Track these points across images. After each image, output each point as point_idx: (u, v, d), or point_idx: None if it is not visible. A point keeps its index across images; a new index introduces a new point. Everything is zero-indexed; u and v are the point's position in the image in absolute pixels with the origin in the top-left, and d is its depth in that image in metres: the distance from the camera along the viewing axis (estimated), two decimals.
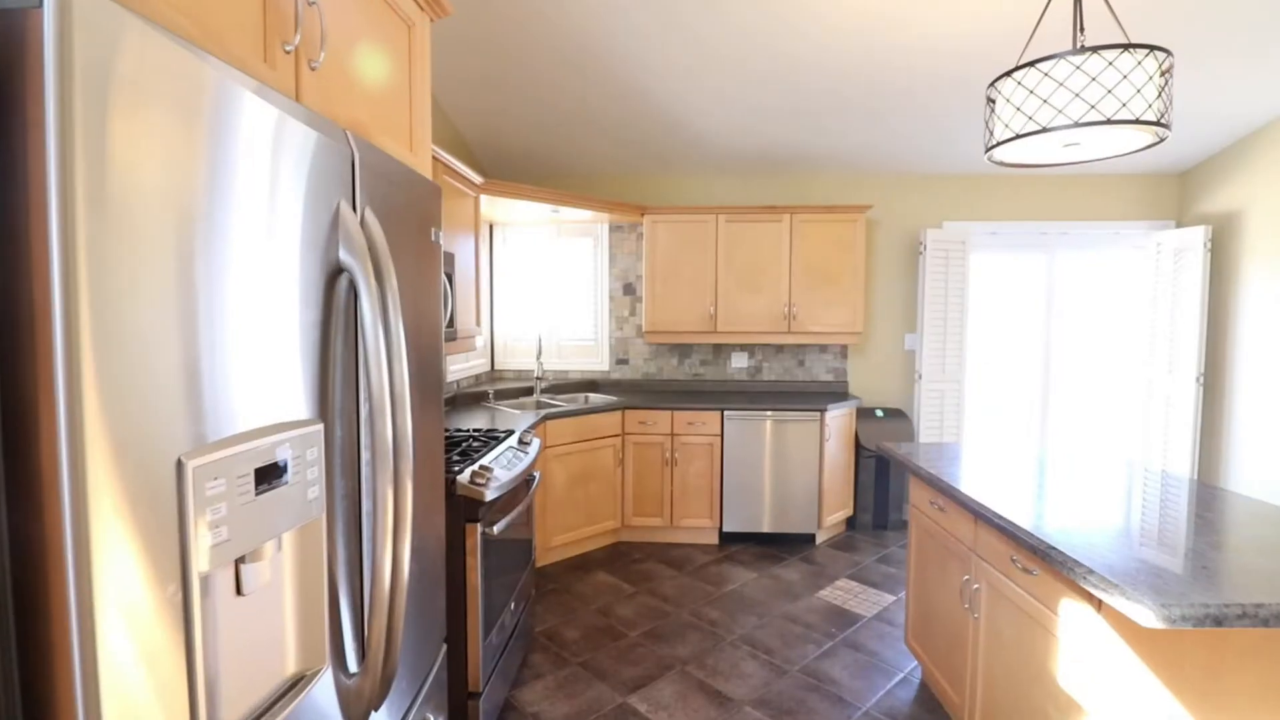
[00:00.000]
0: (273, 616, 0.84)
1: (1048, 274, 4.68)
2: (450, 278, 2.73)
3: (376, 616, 0.99)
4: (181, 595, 0.68)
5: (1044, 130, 1.85)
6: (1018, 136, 1.92)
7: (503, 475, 2.25)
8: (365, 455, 1.06)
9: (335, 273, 0.96)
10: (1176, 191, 4.59)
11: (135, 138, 0.60)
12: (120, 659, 0.60)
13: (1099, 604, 1.52)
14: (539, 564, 3.75)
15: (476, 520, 2.08)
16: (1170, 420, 4.41)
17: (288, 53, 0.98)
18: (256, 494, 0.77)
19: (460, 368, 4.08)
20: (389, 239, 1.14)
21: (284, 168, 0.83)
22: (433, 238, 1.35)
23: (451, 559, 2.07)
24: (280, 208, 0.83)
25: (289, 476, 0.83)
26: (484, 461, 2.31)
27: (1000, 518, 1.81)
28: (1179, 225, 4.58)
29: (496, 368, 4.76)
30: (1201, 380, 4.26)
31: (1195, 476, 4.34)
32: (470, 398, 4.00)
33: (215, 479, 0.71)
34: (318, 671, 0.91)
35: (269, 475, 0.79)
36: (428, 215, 1.33)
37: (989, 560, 1.98)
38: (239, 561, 0.78)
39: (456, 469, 2.15)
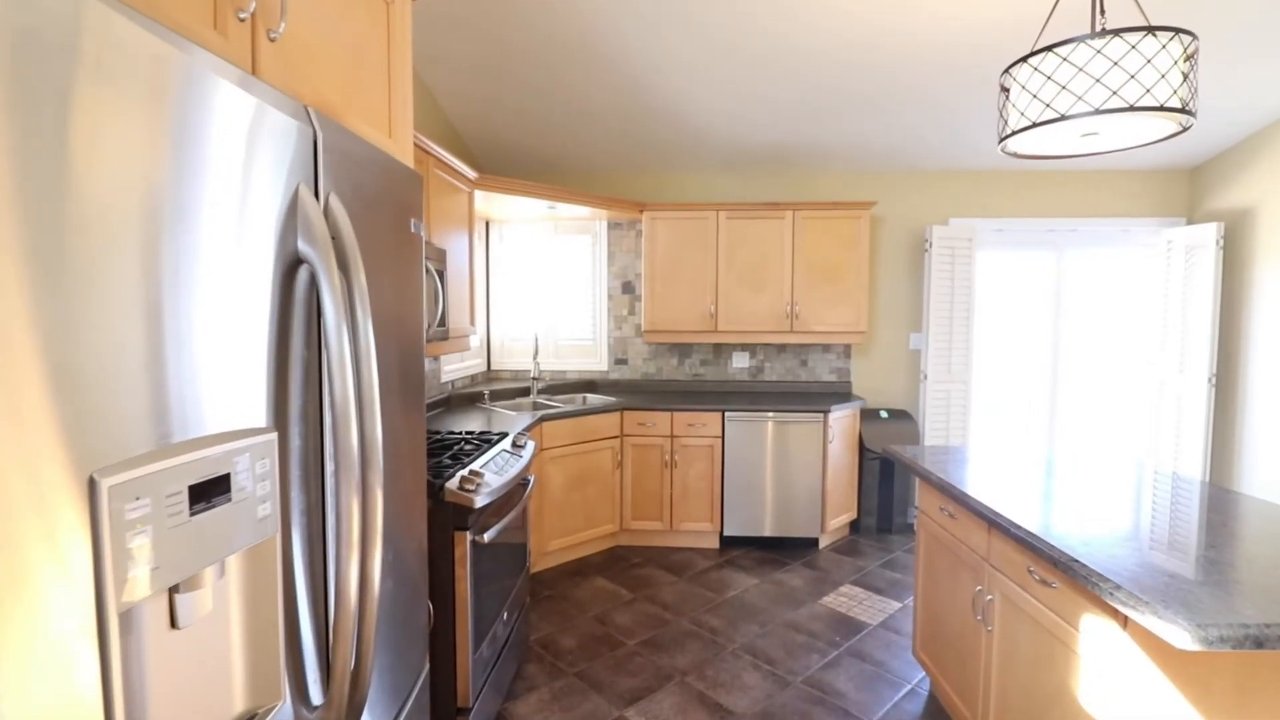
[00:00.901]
0: (216, 650, 0.74)
1: (1056, 272, 4.58)
2: (442, 275, 2.64)
3: (340, 642, 0.90)
4: (98, 634, 0.59)
5: (1062, 118, 1.76)
6: (1034, 125, 1.82)
7: (494, 480, 2.15)
8: (331, 465, 0.97)
9: (294, 264, 0.87)
10: (1187, 187, 4.49)
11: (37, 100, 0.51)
12: (22, 714, 0.51)
13: (1124, 620, 1.42)
14: (535, 569, 3.65)
15: (466, 528, 1.98)
16: (1181, 421, 4.31)
17: (242, 20, 0.89)
18: (192, 514, 0.68)
19: (455, 368, 3.99)
20: (360, 229, 1.05)
21: (231, 144, 0.74)
22: (413, 229, 1.26)
23: (439, 569, 1.98)
24: (225, 189, 0.73)
25: (234, 493, 0.73)
26: (474, 466, 2.22)
27: (1017, 527, 1.72)
28: (1190, 222, 4.48)
29: (493, 368, 4.66)
30: (1214, 380, 4.16)
31: (1207, 478, 4.24)
32: (465, 399, 3.91)
33: (138, 499, 0.61)
34: (272, 708, 0.82)
35: (209, 492, 0.70)
36: (407, 204, 1.24)
37: (1004, 571, 1.88)
38: (173, 591, 0.69)
39: (446, 474, 2.06)
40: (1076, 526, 1.71)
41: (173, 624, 0.69)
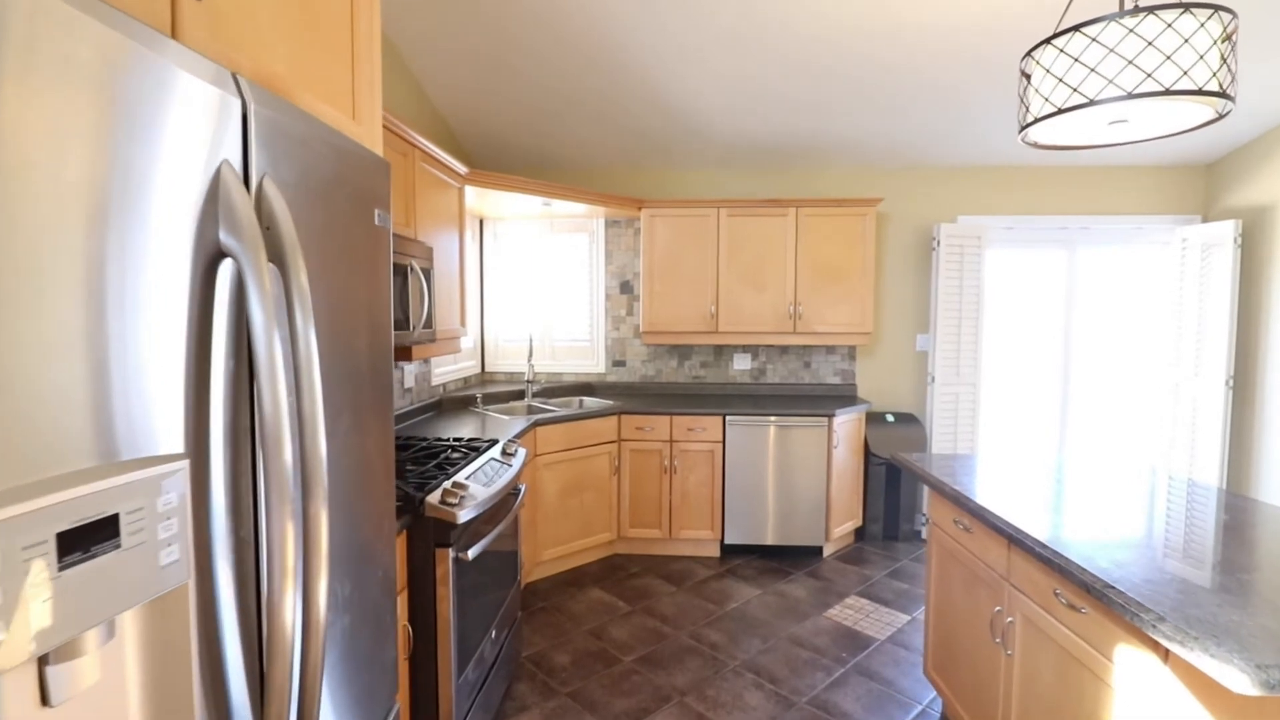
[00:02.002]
0: None
1: (1067, 271, 4.44)
2: (428, 273, 2.51)
3: (274, 699, 0.77)
4: None
5: (1091, 103, 1.62)
6: (1060, 111, 1.69)
7: (480, 492, 2.02)
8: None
9: (217, 258, 0.74)
10: (1203, 184, 4.35)
11: None
12: None
13: (1166, 653, 1.29)
14: (529, 580, 3.52)
15: (448, 544, 1.85)
16: (1197, 425, 4.17)
17: None
18: (62, 568, 0.55)
19: (447, 370, 3.86)
20: (308, 219, 0.92)
21: (135, 116, 0.61)
22: (377, 221, 1.13)
23: (420, 589, 1.85)
24: (122, 166, 0.60)
25: (124, 537, 0.60)
26: (460, 477, 2.09)
27: (1043, 546, 1.58)
28: (1205, 220, 4.34)
29: (487, 370, 4.53)
30: (1231, 383, 4.02)
31: (1224, 485, 4.10)
32: (457, 402, 3.78)
33: None
34: None
35: (88, 539, 0.57)
36: (370, 194, 1.11)
37: (1026, 592, 1.75)
38: (43, 662, 0.55)
39: (429, 486, 1.92)
40: (1103, 544, 1.57)
41: (44, 701, 0.56)
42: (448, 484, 1.97)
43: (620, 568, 3.73)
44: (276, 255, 0.79)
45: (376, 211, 1.12)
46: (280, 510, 0.75)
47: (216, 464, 0.75)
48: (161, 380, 0.66)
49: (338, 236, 1.01)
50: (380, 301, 1.16)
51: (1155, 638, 1.23)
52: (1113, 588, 1.35)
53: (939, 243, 4.16)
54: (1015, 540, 1.72)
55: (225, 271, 0.75)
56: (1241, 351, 4.06)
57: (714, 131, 3.91)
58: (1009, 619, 1.83)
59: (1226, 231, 3.99)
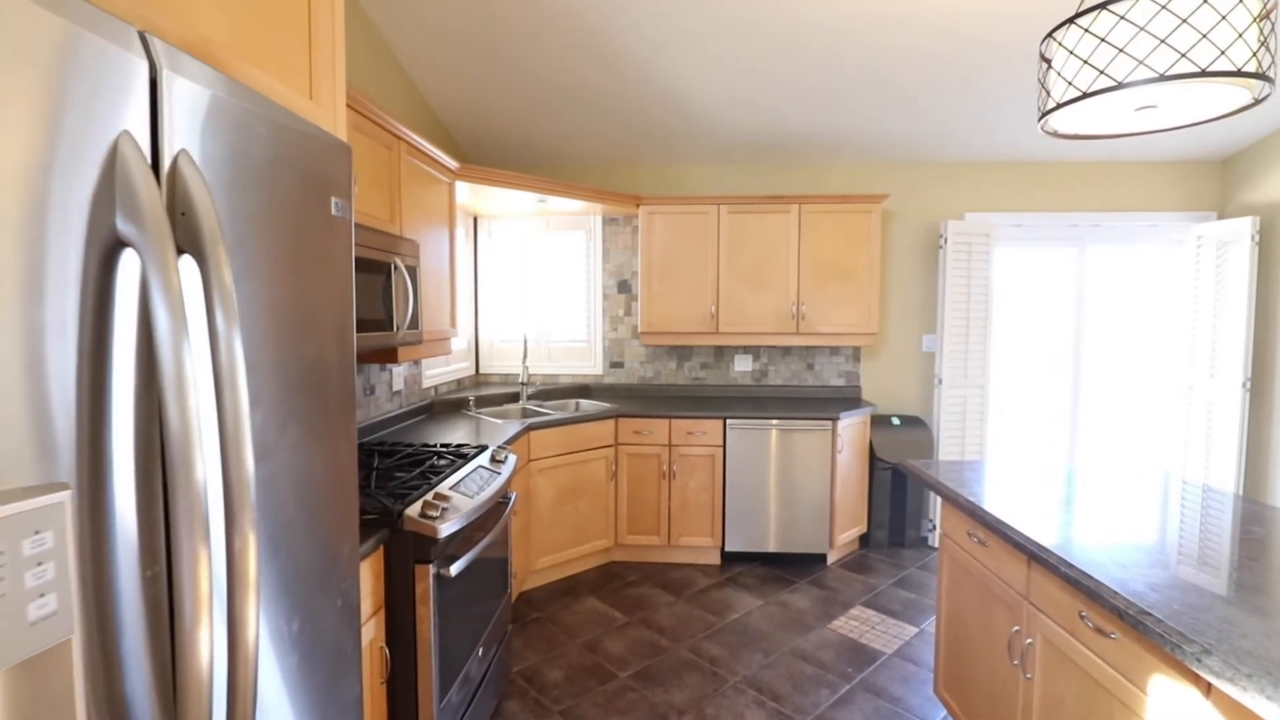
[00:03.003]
0: None
1: (1078, 269, 4.31)
2: (413, 271, 2.39)
3: None
4: None
5: (1119, 86, 1.50)
6: (1085, 95, 1.57)
7: (464, 503, 1.91)
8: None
9: (115, 249, 0.62)
10: (1218, 180, 4.22)
11: None
12: None
13: (1208, 687, 1.17)
14: (522, 588, 3.40)
15: (429, 560, 1.73)
16: (1213, 429, 4.04)
17: None
18: None
19: (439, 372, 3.74)
20: (246, 206, 0.80)
21: (16, 78, 0.50)
22: (334, 210, 1.01)
23: (398, 609, 1.73)
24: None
25: None
26: (444, 487, 1.97)
27: (1070, 566, 1.46)
28: (1221, 217, 4.21)
29: (482, 371, 4.42)
30: (1248, 385, 3.89)
31: (1240, 491, 3.98)
32: (449, 405, 3.66)
33: None
34: None
35: None
36: (325, 180, 0.99)
37: (1048, 612, 1.63)
38: None
39: (410, 497, 1.81)
40: (1133, 562, 1.45)
41: None
42: (429, 495, 1.85)
43: (617, 576, 3.62)
44: (194, 246, 0.68)
45: (334, 200, 1.00)
46: (191, 539, 0.64)
47: (122, 492, 0.64)
48: (36, 396, 0.55)
49: (285, 226, 0.89)
50: (340, 299, 1.05)
51: (1200, 673, 1.11)
52: (1149, 614, 1.23)
53: (946, 240, 4.04)
54: (1037, 558, 1.60)
55: (132, 265, 0.64)
56: (1259, 352, 3.94)
57: (715, 125, 3.79)
58: (1028, 640, 1.71)
59: (1243, 228, 3.86)
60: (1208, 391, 4.06)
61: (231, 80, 0.78)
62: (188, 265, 0.69)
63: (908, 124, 3.73)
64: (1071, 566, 1.46)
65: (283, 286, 0.88)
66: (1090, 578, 1.40)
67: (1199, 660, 1.11)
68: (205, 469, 0.63)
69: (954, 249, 4.04)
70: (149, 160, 0.64)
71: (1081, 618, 1.49)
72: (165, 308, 0.61)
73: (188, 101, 0.71)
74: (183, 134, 0.70)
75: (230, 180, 0.78)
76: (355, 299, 1.94)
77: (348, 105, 2.07)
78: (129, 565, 0.65)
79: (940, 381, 4.11)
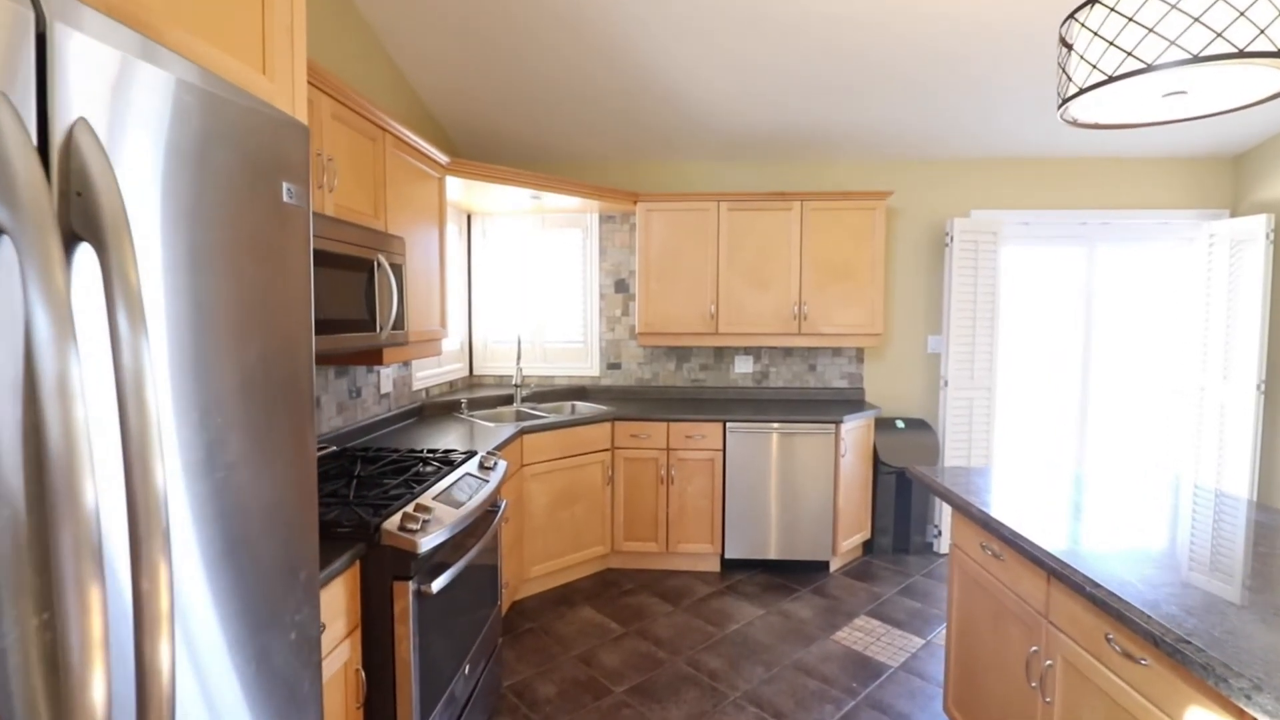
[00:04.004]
0: None
1: (1087, 268, 4.20)
2: (398, 269, 2.28)
3: None
4: None
5: (1149, 68, 1.40)
6: (1110, 79, 1.46)
7: (448, 515, 1.80)
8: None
9: None
10: (1230, 177, 4.11)
11: None
12: None
13: None
14: (516, 597, 3.30)
15: (408, 576, 1.63)
16: (1226, 432, 3.93)
17: None
18: None
19: (430, 374, 3.64)
20: (172, 188, 0.70)
21: None
22: (286, 197, 0.90)
23: (375, 629, 1.62)
24: None
25: None
26: (425, 498, 1.87)
27: (1097, 587, 1.35)
28: (1234, 214, 4.11)
29: (476, 373, 4.31)
30: (1263, 388, 3.78)
31: (1254, 497, 3.87)
32: (440, 408, 3.55)
33: None
34: None
35: None
36: (275, 163, 0.88)
37: (1070, 633, 1.52)
38: None
39: (389, 509, 1.70)
40: (1164, 582, 1.34)
41: None
42: (409, 507, 1.74)
43: (614, 584, 3.51)
44: (92, 232, 0.57)
45: (285, 185, 0.90)
46: (79, 574, 0.53)
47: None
48: None
49: (222, 213, 0.78)
50: (294, 296, 0.94)
51: (1250, 710, 1.01)
52: (1188, 642, 1.12)
53: (952, 238, 3.93)
54: (1058, 574, 1.49)
55: (10, 255, 0.53)
56: (1274, 354, 3.83)
57: (715, 119, 3.69)
58: (1048, 661, 1.61)
59: (1257, 227, 3.75)
60: (1220, 394, 3.95)
61: (151, 42, 0.68)
62: (87, 255, 0.58)
63: (913, 118, 3.63)
64: (1098, 586, 1.35)
65: (218, 281, 0.77)
66: (1119, 599, 1.29)
67: (1248, 697, 1.00)
68: (96, 493, 0.53)
69: (960, 247, 3.93)
70: (34, 129, 0.53)
71: (1108, 640, 1.38)
72: (44, 305, 0.50)
73: (90, 62, 0.60)
74: (81, 100, 0.59)
75: (152, 159, 0.67)
76: (337, 298, 1.84)
77: (332, 96, 1.96)
78: (26, 608, 0.55)
79: (946, 383, 4.00)
